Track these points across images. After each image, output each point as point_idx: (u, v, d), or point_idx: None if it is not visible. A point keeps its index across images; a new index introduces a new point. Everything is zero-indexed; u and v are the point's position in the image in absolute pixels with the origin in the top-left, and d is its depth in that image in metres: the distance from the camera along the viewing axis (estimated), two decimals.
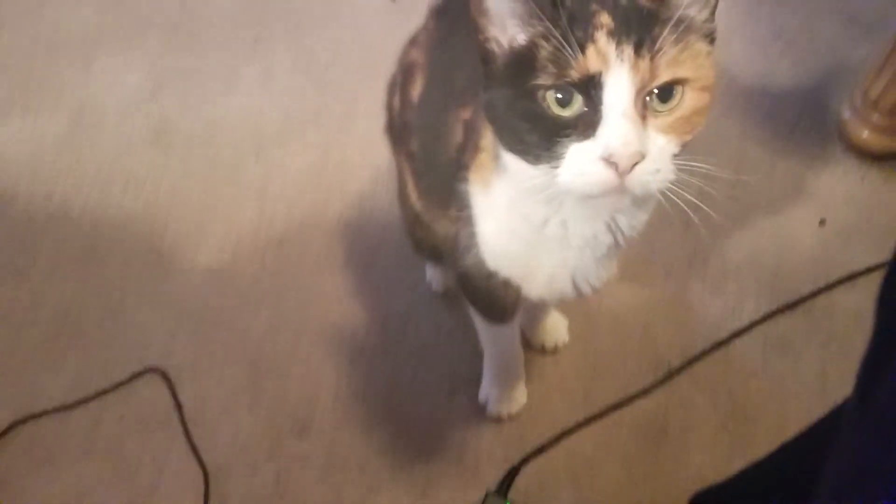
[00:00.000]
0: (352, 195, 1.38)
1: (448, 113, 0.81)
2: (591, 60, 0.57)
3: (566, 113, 0.59)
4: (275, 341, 1.20)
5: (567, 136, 0.59)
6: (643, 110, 0.58)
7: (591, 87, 0.57)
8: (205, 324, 1.22)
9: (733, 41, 1.62)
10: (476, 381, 1.15)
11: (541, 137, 0.60)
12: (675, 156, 0.61)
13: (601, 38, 0.57)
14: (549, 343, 1.18)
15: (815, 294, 1.23)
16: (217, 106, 1.54)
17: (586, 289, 0.84)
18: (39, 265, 1.29)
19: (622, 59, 0.56)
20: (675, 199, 0.63)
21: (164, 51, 1.65)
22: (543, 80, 0.58)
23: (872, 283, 1.21)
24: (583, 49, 0.57)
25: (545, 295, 0.86)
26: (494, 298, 0.88)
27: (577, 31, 0.57)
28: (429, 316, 1.22)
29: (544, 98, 0.59)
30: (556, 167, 0.60)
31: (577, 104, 0.58)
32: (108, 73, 1.61)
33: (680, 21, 0.58)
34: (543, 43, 0.58)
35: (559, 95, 0.58)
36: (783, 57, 1.59)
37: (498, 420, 1.13)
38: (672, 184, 0.62)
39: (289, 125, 1.50)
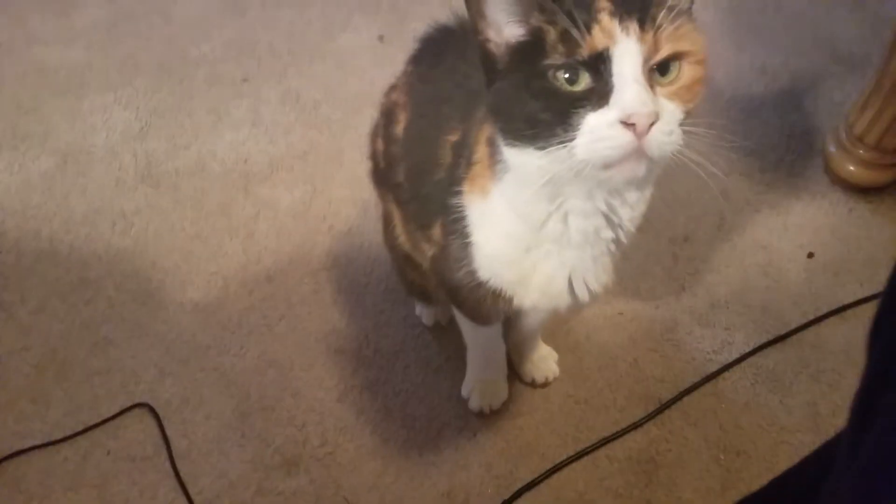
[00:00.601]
0: (340, 230, 1.42)
1: (435, 139, 0.88)
2: (597, 38, 0.63)
3: (577, 88, 0.64)
4: (263, 377, 1.22)
5: (582, 106, 0.64)
6: (649, 80, 0.65)
7: (599, 62, 0.63)
8: (193, 359, 1.25)
9: (717, 77, 1.68)
10: (465, 416, 1.17)
11: (555, 113, 0.65)
12: (680, 123, 0.67)
13: (604, 17, 0.63)
14: (539, 377, 1.21)
15: (804, 327, 1.27)
16: (206, 143, 1.59)
17: (584, 294, 0.88)
18: (28, 302, 1.32)
19: (628, 33, 0.63)
20: (685, 159, 0.68)
21: (153, 90, 1.71)
22: (553, 59, 0.64)
23: (862, 316, 1.26)
24: (588, 29, 0.63)
25: (539, 302, 0.89)
26: (482, 307, 0.92)
27: (581, 14, 0.64)
28: (418, 350, 1.25)
29: (555, 77, 0.65)
30: (572, 140, 0.65)
31: (585, 81, 0.64)
32: (96, 112, 1.66)
33: (672, 6, 0.65)
34: (549, 28, 0.65)
35: (567, 75, 0.64)
36: (768, 92, 1.66)
37: (481, 414, 1.17)
38: (681, 147, 0.67)
39: (277, 162, 1.55)
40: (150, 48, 1.82)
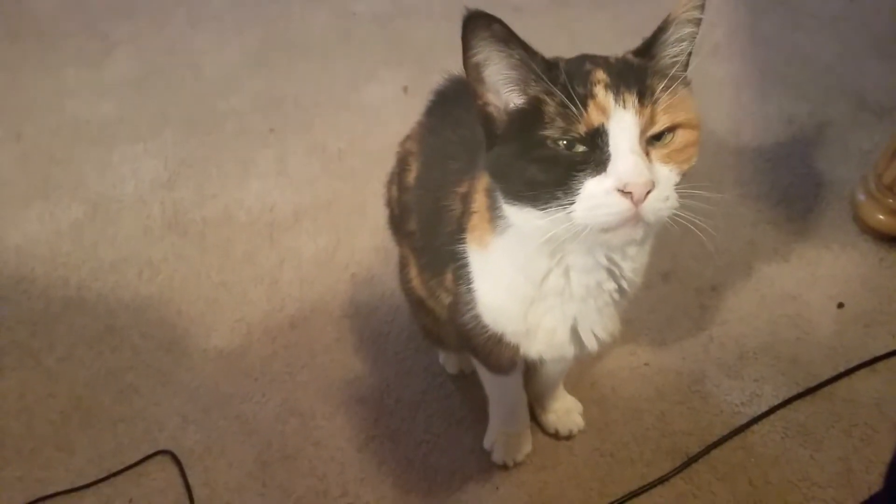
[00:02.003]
0: (363, 278, 1.48)
1: (445, 190, 0.93)
2: (593, 115, 0.68)
3: (576, 151, 0.69)
4: (284, 425, 1.27)
5: (582, 170, 0.69)
6: (646, 147, 0.70)
7: (596, 136, 0.68)
8: (216, 407, 1.30)
9: (744, 128, 1.74)
10: (488, 469, 1.20)
11: (555, 176, 0.70)
12: (676, 185, 0.71)
13: (599, 91, 0.68)
14: (564, 429, 1.23)
15: (835, 379, 1.29)
16: (232, 193, 1.67)
17: (592, 343, 0.92)
18: (55, 349, 1.39)
19: (624, 107, 0.68)
20: (682, 222, 0.72)
21: (182, 141, 1.81)
22: (552, 132, 0.69)
23: (894, 369, 1.27)
24: (584, 105, 0.68)
25: (544, 352, 0.93)
26: (494, 353, 0.96)
27: (578, 87, 0.68)
28: (440, 400, 1.29)
29: (555, 143, 0.69)
30: (572, 203, 0.69)
31: (581, 148, 0.69)
32: (126, 163, 1.76)
33: (670, 77, 0.70)
34: (547, 99, 0.70)
35: (565, 142, 0.69)
36: (795, 142, 1.70)
37: (503, 467, 1.19)
38: (676, 210, 0.71)
39: (302, 211, 1.62)
40: (180, 101, 1.92)
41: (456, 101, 1.01)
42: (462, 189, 0.91)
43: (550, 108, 0.69)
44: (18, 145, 1.82)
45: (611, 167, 0.68)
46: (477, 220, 0.86)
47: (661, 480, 1.18)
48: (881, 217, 1.47)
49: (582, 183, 0.69)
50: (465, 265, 0.90)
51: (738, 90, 1.84)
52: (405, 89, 1.90)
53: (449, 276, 0.96)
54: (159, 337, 1.40)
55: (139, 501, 1.18)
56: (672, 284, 1.44)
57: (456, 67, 1.04)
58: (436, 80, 1.07)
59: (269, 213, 1.62)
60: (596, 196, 0.68)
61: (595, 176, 0.68)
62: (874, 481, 1.15)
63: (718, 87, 1.85)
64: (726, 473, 1.18)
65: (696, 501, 1.16)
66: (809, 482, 1.17)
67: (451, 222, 0.92)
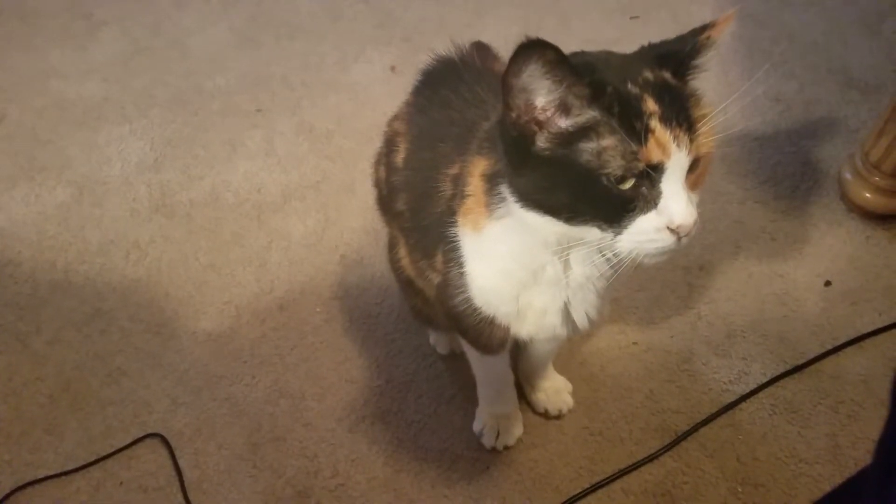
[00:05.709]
0: (352, 259, 1.45)
1: (435, 172, 0.90)
2: (653, 152, 0.66)
3: (625, 187, 0.68)
4: (275, 407, 1.25)
5: (633, 209, 0.68)
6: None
7: (649, 171, 0.67)
8: (205, 389, 1.27)
9: (731, 106, 1.70)
10: (478, 448, 1.19)
11: (605, 212, 0.69)
12: None
13: (656, 126, 0.66)
14: (553, 409, 1.22)
15: (822, 357, 1.28)
16: (220, 174, 1.63)
17: (584, 324, 0.91)
18: (43, 332, 1.36)
19: (678, 146, 0.67)
20: None
21: (168, 121, 1.76)
22: (611, 170, 0.67)
23: (880, 346, 1.26)
24: (644, 140, 0.66)
25: (535, 333, 0.92)
26: (485, 334, 0.95)
27: (633, 120, 0.66)
28: (431, 380, 1.27)
29: (609, 180, 0.68)
30: (618, 233, 0.70)
31: (632, 182, 0.68)
32: (112, 143, 1.72)
33: (699, 97, 0.70)
34: (605, 132, 0.67)
35: (616, 176, 0.67)
36: (782, 120, 1.68)
37: (493, 451, 1.18)
38: None
39: (290, 192, 1.59)
40: (166, 81, 1.87)
41: (443, 82, 0.98)
42: (453, 170, 0.88)
43: (606, 140, 0.67)
44: (2, 126, 1.77)
45: (662, 205, 0.68)
46: (472, 204, 0.84)
47: (651, 458, 1.17)
48: (868, 195, 1.45)
49: (633, 220, 0.69)
50: (456, 248, 0.88)
51: (725, 68, 1.81)
52: (393, 68, 1.86)
53: (439, 258, 0.94)
54: (147, 319, 1.37)
55: (129, 484, 1.16)
56: None
57: (443, 47, 1.02)
58: (423, 60, 1.03)
59: (257, 194, 1.59)
60: (646, 233, 0.69)
61: (645, 212, 0.68)
62: (861, 457, 1.15)
63: (705, 64, 1.82)
64: (715, 451, 1.18)
65: (685, 479, 1.15)
66: (797, 458, 1.16)
67: (440, 203, 0.90)
